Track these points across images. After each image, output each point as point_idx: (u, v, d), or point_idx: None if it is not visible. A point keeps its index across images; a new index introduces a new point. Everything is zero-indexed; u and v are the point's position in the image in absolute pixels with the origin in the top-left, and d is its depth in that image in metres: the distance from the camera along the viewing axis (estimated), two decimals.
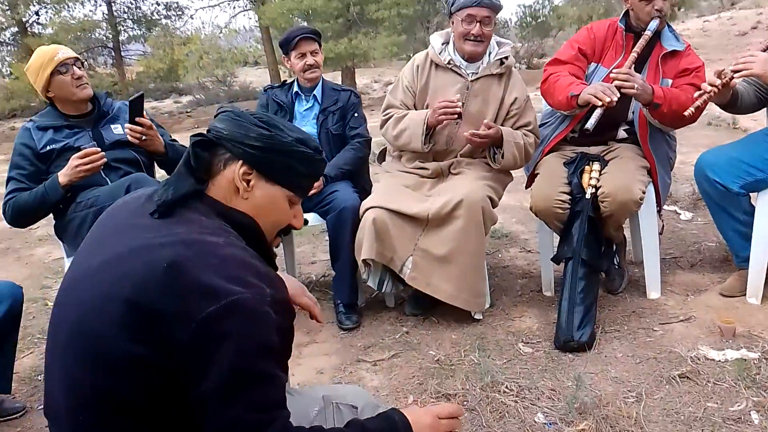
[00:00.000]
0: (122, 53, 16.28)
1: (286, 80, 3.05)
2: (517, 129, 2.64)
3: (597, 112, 2.28)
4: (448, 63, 2.66)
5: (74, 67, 2.45)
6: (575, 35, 2.72)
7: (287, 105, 2.92)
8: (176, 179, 1.13)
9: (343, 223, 2.63)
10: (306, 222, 2.79)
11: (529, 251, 3.39)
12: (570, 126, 2.61)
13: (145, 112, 2.46)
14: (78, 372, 1.05)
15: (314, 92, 2.91)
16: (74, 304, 1.09)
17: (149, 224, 1.09)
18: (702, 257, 3.00)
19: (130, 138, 2.40)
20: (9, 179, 2.41)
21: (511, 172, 2.81)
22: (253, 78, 24.06)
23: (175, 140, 2.64)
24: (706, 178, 2.46)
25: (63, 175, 2.32)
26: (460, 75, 2.66)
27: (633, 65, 2.37)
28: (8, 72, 16.68)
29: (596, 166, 2.44)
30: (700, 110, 2.26)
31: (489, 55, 2.65)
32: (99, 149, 2.37)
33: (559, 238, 2.55)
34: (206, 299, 0.97)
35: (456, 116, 2.52)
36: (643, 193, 2.37)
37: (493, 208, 2.55)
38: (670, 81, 2.48)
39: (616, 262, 2.77)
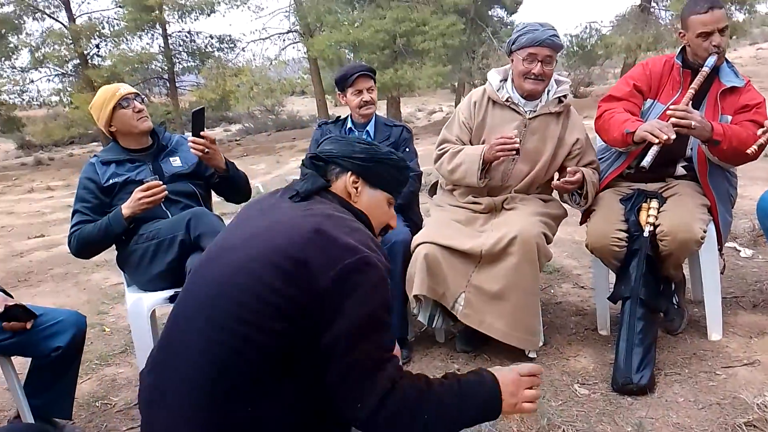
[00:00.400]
0: (176, 84, 16.91)
1: (339, 116, 3.11)
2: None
3: (653, 150, 2.23)
4: (506, 100, 2.66)
5: (135, 101, 2.56)
6: (630, 71, 2.68)
7: None
8: (311, 177, 1.44)
9: (393, 257, 2.63)
10: None
11: (582, 287, 3.32)
12: (626, 163, 2.58)
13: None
14: (220, 335, 1.24)
15: (367, 127, 2.96)
16: (217, 272, 1.31)
17: (291, 206, 1.37)
18: (765, 297, 2.88)
19: (193, 152, 2.46)
20: (74, 212, 2.52)
21: (565, 206, 2.77)
22: (300, 107, 24.64)
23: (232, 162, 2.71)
24: None
25: (126, 208, 2.41)
26: (517, 112, 2.65)
27: (690, 102, 2.32)
28: (69, 101, 17.52)
29: (654, 203, 2.39)
30: (762, 148, 2.20)
31: (548, 93, 2.64)
32: (161, 182, 2.45)
33: (615, 275, 2.50)
34: (346, 253, 1.23)
35: (513, 152, 2.51)
36: (704, 231, 2.30)
37: (548, 244, 2.52)
38: (729, 117, 2.42)
39: (675, 302, 2.69)
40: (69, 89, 17.86)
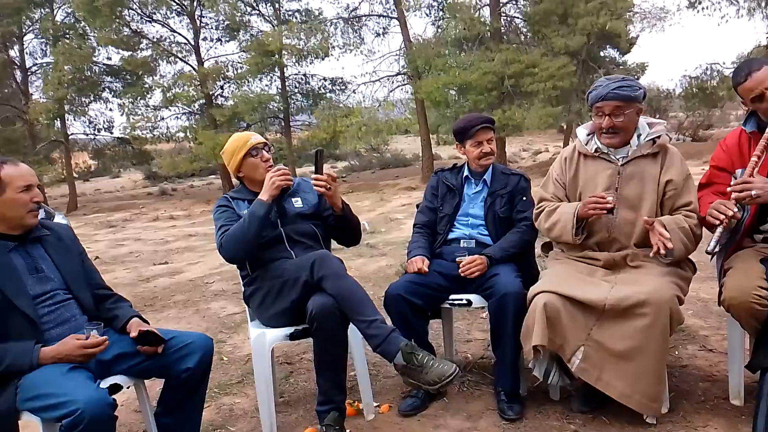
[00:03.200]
0: (290, 123, 17.83)
1: (456, 164, 3.14)
2: (675, 210, 2.52)
3: (718, 232, 2.22)
4: (596, 151, 2.65)
5: (263, 151, 2.74)
6: (713, 154, 2.66)
7: (457, 188, 3.00)
8: None
9: (505, 308, 2.59)
10: (469, 303, 2.82)
11: (711, 350, 3.10)
12: (742, 235, 2.47)
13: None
14: None
15: (485, 176, 2.97)
16: None
17: None
18: None
19: (316, 188, 2.58)
20: (219, 227, 2.64)
21: (694, 264, 2.62)
22: (404, 146, 25.10)
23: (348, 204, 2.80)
24: None
25: (263, 194, 2.57)
26: (609, 161, 2.62)
27: (755, 169, 2.25)
28: (193, 137, 18.92)
29: None
30: None
31: (639, 138, 2.60)
32: (281, 167, 2.66)
33: (753, 340, 2.31)
34: None
35: (606, 212, 2.49)
36: None
37: (680, 305, 2.38)
38: None
39: None
40: (194, 126, 19.33)
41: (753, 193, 2.18)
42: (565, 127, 19.89)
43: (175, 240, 10.00)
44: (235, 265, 2.83)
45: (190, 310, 5.09)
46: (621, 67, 19.16)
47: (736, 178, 2.45)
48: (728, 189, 2.27)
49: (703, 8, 16.09)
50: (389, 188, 15.55)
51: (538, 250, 3.02)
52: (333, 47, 17.63)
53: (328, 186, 2.58)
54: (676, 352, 3.09)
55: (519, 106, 14.57)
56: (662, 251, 2.37)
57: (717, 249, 2.26)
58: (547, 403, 2.69)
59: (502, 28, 16.66)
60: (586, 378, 2.41)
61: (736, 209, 2.20)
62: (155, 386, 2.50)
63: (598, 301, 2.36)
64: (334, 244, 2.92)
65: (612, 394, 2.39)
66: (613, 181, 2.58)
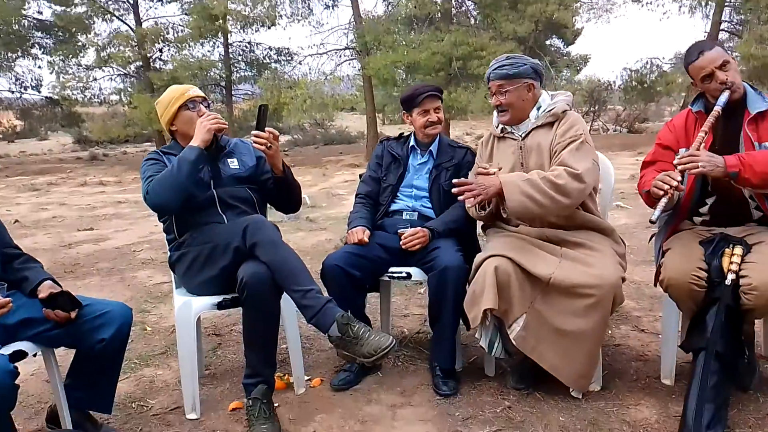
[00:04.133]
0: (232, 92, 17.26)
1: (402, 133, 3.04)
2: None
3: (662, 202, 2.19)
4: (502, 131, 2.65)
5: (201, 105, 2.54)
6: (659, 133, 2.65)
7: (402, 158, 2.89)
8: None
9: (445, 282, 2.52)
10: (409, 276, 2.74)
11: (643, 330, 3.14)
12: (681, 216, 2.48)
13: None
14: None
15: (431, 147, 2.87)
16: None
17: None
18: None
19: (255, 146, 2.42)
20: (146, 179, 2.43)
21: (625, 244, 2.60)
22: (350, 123, 24.86)
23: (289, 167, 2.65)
24: None
25: (194, 140, 2.39)
26: (513, 139, 2.61)
27: (701, 144, 2.26)
28: (128, 101, 18.08)
29: (738, 250, 2.21)
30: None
31: (538, 110, 2.57)
32: (213, 113, 2.48)
33: (688, 322, 2.32)
34: None
35: None
36: None
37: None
38: None
39: (745, 356, 2.49)
40: (129, 90, 18.44)
41: (700, 164, 2.17)
42: None
43: (103, 206, 9.51)
44: (164, 233, 2.64)
45: (115, 278, 4.81)
46: (565, 57, 19.51)
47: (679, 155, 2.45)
48: (674, 162, 2.25)
49: (647, 2, 16.52)
50: (332, 164, 15.34)
51: (479, 229, 2.96)
52: (280, 16, 17.13)
53: (269, 144, 2.42)
54: (610, 332, 3.11)
55: (465, 89, 14.59)
56: (466, 201, 2.38)
57: (660, 219, 2.24)
58: (482, 380, 2.65)
59: (453, 9, 16.60)
60: (523, 347, 2.39)
61: (680, 179, 2.17)
62: (69, 356, 2.29)
63: (544, 274, 2.32)
64: (271, 212, 2.77)
65: (544, 364, 2.38)
66: (517, 156, 2.57)
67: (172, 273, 2.64)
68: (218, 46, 18.15)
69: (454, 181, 2.39)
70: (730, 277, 2.16)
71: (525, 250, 2.43)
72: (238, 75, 18.06)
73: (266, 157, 2.49)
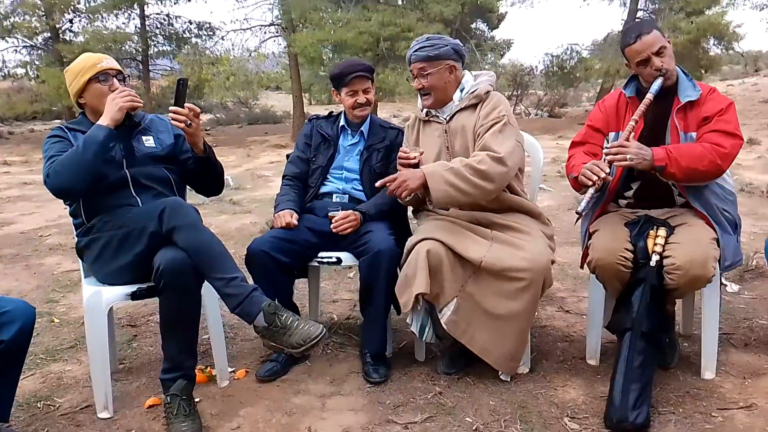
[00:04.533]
0: (149, 67, 16.38)
1: (332, 112, 2.92)
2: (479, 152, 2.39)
3: (589, 192, 2.21)
4: (427, 115, 2.59)
5: (114, 79, 2.34)
6: (590, 114, 2.65)
7: (332, 138, 2.78)
8: None
9: (377, 266, 2.45)
10: (339, 261, 2.65)
11: (568, 311, 3.20)
12: (607, 199, 2.49)
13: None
14: None
15: (361, 128, 2.78)
16: None
17: None
18: (755, 336, 2.79)
19: (173, 123, 2.24)
20: (48, 159, 2.23)
21: (551, 224, 2.61)
22: (275, 102, 24.26)
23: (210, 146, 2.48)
24: None
25: (103, 118, 2.19)
26: (438, 123, 2.56)
27: (631, 133, 2.27)
28: (36, 75, 16.84)
29: (662, 231, 2.26)
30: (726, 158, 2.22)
31: (461, 92, 2.53)
32: (128, 89, 2.29)
33: (614, 303, 2.36)
34: None
35: (412, 167, 2.41)
36: (715, 269, 2.19)
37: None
38: (694, 134, 2.32)
39: (667, 336, 2.57)
40: (37, 63, 17.15)
41: (628, 156, 2.18)
42: None
43: (8, 188, 8.83)
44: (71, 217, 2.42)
45: (19, 265, 4.45)
46: (489, 41, 19.78)
47: (608, 141, 2.47)
48: (603, 151, 2.26)
49: None
50: (257, 144, 14.90)
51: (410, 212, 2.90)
52: None
53: (189, 122, 2.24)
54: (536, 313, 3.15)
55: (393, 70, 14.51)
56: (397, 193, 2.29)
57: (587, 210, 2.26)
58: (413, 365, 2.61)
59: None
60: (453, 331, 2.37)
61: (608, 170, 2.19)
62: None
63: (475, 258, 2.29)
64: (190, 194, 2.60)
65: (473, 348, 2.37)
66: (442, 140, 2.52)
67: (79, 260, 2.43)
68: (134, 18, 17.11)
69: (378, 183, 2.33)
70: (655, 258, 2.21)
71: (456, 233, 2.40)
72: (156, 50, 17.09)
73: (186, 135, 2.31)
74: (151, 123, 2.51)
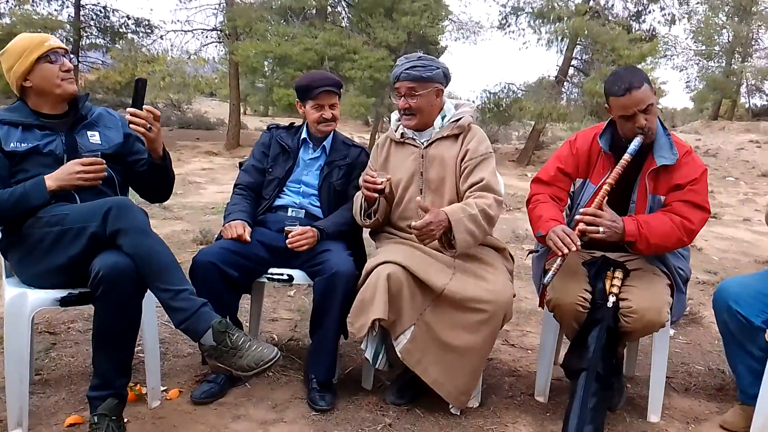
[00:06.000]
0: (80, 58, 15.54)
1: (293, 122, 2.80)
2: (469, 188, 2.38)
3: (557, 263, 2.17)
4: (402, 136, 2.54)
5: (65, 58, 2.14)
6: (558, 150, 2.53)
7: (292, 150, 2.66)
8: None
9: (333, 288, 2.33)
10: (291, 279, 2.51)
11: (513, 345, 3.18)
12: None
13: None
14: None
15: (324, 143, 2.67)
16: None
17: None
18: (694, 382, 2.86)
19: (132, 126, 2.07)
20: None
21: (513, 260, 2.59)
22: (208, 108, 23.60)
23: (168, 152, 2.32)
24: (728, 308, 2.32)
25: (54, 179, 2.01)
26: (414, 146, 2.51)
27: (605, 199, 2.19)
28: None
29: (619, 273, 2.28)
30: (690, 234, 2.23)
31: (443, 119, 2.49)
32: (103, 161, 2.10)
33: (569, 343, 2.35)
34: None
35: (376, 194, 2.37)
36: (669, 314, 2.22)
37: None
38: (662, 198, 2.29)
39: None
40: None
41: (600, 229, 2.14)
42: (371, 121, 20.30)
43: None
44: None
45: None
46: None
47: (575, 186, 2.45)
48: (577, 217, 2.19)
49: (511, 31, 17.57)
50: (188, 149, 14.37)
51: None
52: None
53: (149, 125, 2.07)
54: None
55: None
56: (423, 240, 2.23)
57: (549, 281, 2.20)
58: (360, 393, 2.50)
59: (329, 8, 16.42)
60: (408, 360, 2.28)
61: (579, 243, 2.12)
62: None
63: (438, 285, 2.23)
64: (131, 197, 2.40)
65: (426, 379, 2.29)
66: (417, 165, 2.47)
67: (2, 258, 2.17)
68: (68, 6, 16.25)
69: (413, 227, 2.20)
70: (612, 299, 2.22)
71: (418, 258, 2.33)
72: (88, 41, 16.24)
73: (146, 140, 2.14)
74: (98, 117, 2.31)
